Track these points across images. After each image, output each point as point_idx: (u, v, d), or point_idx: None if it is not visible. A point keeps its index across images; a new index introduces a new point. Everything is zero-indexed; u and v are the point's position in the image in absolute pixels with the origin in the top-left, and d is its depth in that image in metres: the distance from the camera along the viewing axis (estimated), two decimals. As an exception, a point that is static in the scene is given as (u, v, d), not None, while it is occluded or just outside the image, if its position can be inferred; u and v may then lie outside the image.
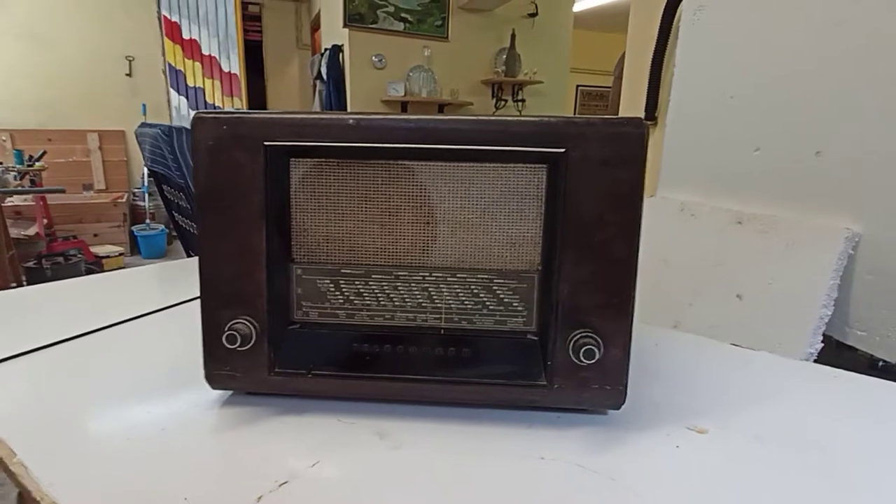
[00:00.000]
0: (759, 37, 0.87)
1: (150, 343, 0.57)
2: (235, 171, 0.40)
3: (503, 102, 4.46)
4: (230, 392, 0.45)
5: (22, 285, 2.71)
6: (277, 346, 0.42)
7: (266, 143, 0.39)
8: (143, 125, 1.46)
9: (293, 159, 0.41)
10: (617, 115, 1.56)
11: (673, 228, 1.07)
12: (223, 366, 0.42)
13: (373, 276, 0.42)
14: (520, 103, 4.51)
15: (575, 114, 7.74)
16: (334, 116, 0.39)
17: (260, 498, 0.33)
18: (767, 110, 0.84)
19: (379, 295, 0.42)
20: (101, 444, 0.39)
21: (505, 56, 4.29)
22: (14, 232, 3.07)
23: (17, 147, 3.84)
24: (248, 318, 0.41)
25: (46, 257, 2.77)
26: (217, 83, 4.79)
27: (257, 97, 5.33)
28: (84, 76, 4.41)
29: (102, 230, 3.97)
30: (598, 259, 0.39)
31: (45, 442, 0.38)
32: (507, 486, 0.35)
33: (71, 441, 0.39)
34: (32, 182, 3.18)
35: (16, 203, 3.47)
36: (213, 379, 0.42)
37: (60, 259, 2.78)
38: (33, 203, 3.43)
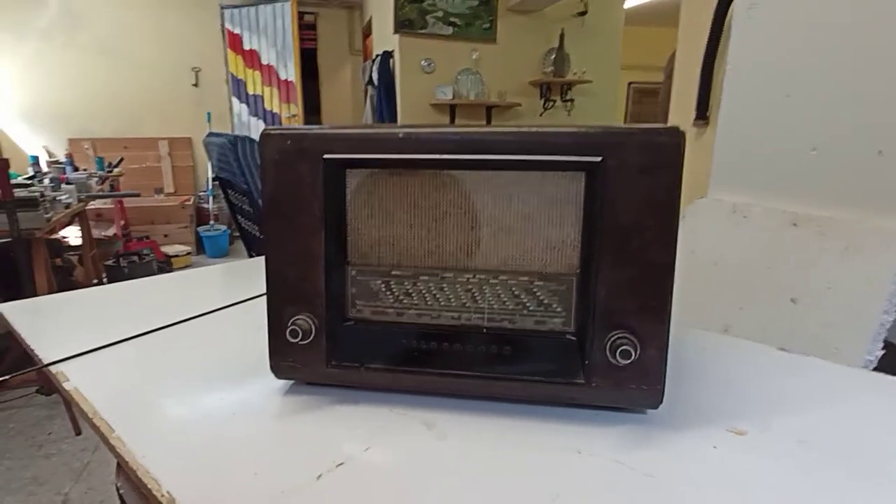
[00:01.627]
0: (816, 33, 0.84)
1: (220, 336, 0.63)
2: (298, 181, 0.44)
3: (552, 103, 4.42)
4: (292, 381, 0.49)
5: (102, 282, 2.96)
6: (334, 340, 0.46)
7: (325, 156, 0.43)
8: (211, 135, 1.57)
9: (349, 170, 0.45)
10: (667, 114, 1.53)
11: (724, 230, 1.04)
12: (286, 358, 0.46)
13: (420, 278, 0.45)
14: (568, 103, 4.45)
15: (626, 112, 7.54)
16: (386, 131, 0.43)
17: (319, 476, 0.37)
18: (825, 109, 0.82)
19: (426, 295, 0.46)
20: (183, 424, 0.44)
21: (553, 56, 4.25)
22: (95, 233, 3.34)
23: (98, 154, 4.18)
24: (308, 314, 0.45)
25: (123, 256, 3.01)
26: (275, 90, 5.01)
27: (312, 103, 5.54)
28: (156, 87, 4.73)
29: (172, 231, 4.25)
30: (635, 263, 0.41)
31: (136, 422, 0.44)
32: (544, 478, 0.37)
33: (157, 421, 0.44)
34: (112, 187, 3.45)
35: (97, 206, 3.78)
36: (278, 369, 0.47)
37: (135, 258, 3.01)
38: (112, 206, 3.73)
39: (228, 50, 4.88)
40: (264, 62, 4.95)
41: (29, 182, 2.00)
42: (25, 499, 1.40)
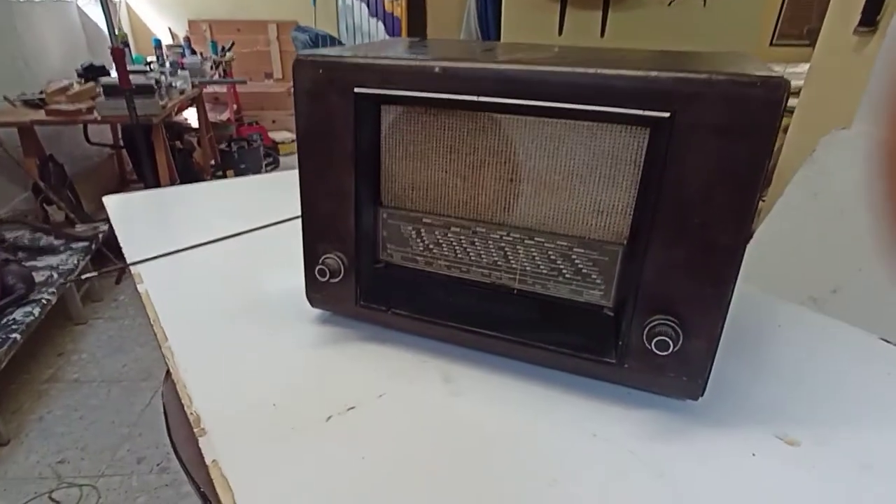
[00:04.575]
0: None
1: (294, 245, 0.64)
2: (330, 114, 0.41)
3: (686, -12, 3.75)
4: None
5: (217, 162, 3.22)
6: (363, 281, 0.45)
7: (355, 90, 0.39)
8: (297, 29, 1.54)
9: (384, 105, 0.41)
10: (823, 14, 1.22)
11: (865, 173, 0.87)
12: (318, 291, 0.47)
13: (451, 229, 0.42)
14: (707, -11, 3.76)
15: (784, 2, 6.26)
16: (422, 63, 0.37)
17: (329, 418, 0.38)
18: None
19: (456, 247, 0.43)
20: (227, 342, 0.47)
21: (699, -74, 3.53)
22: (212, 116, 3.59)
23: (213, 37, 4.34)
24: (338, 253, 0.44)
25: (234, 141, 3.23)
26: (379, -29, 4.76)
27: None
28: (264, -34, 4.68)
29: (279, 116, 4.44)
30: (695, 242, 0.34)
31: (188, 334, 0.48)
32: (547, 459, 0.35)
33: (206, 336, 0.48)
34: (224, 72, 3.61)
35: (214, 90, 4.01)
36: (312, 300, 0.48)
37: (245, 143, 3.22)
38: (226, 91, 3.94)
39: (334, -76, 4.62)
40: (370, -61, 4.66)
41: (145, 69, 2.15)
42: (151, 352, 1.68)
